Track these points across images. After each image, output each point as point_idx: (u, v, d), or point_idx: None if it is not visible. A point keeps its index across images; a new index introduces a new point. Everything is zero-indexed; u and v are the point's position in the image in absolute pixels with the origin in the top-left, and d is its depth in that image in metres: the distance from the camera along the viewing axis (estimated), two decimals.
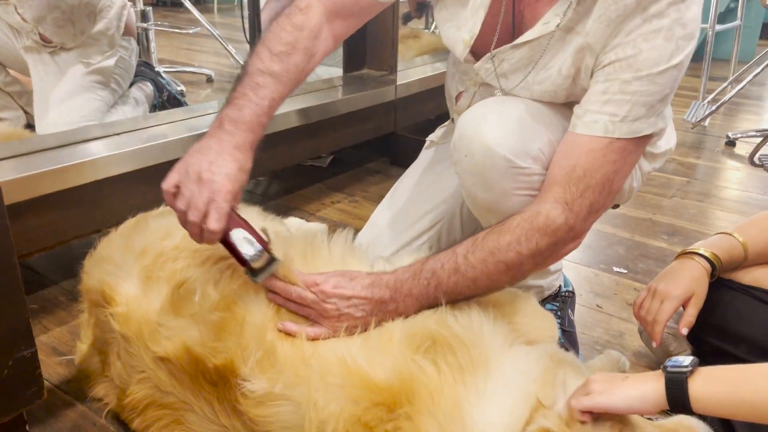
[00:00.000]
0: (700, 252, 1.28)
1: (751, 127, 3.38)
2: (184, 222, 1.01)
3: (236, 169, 1.02)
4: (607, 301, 1.76)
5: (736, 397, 0.87)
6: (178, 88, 2.92)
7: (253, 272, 1.03)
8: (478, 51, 1.27)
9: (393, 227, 1.55)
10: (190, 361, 1.06)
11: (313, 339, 1.02)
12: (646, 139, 1.10)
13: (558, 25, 1.12)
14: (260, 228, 1.06)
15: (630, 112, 1.06)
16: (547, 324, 1.24)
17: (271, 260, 1.03)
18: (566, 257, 1.56)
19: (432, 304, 1.05)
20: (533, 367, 1.03)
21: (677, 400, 0.89)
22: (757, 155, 2.55)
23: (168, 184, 1.02)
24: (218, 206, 0.98)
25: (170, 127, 1.82)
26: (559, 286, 1.53)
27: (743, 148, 3.07)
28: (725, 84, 3.61)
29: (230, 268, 1.13)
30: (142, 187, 1.64)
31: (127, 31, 2.26)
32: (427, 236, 1.52)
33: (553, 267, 1.48)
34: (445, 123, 1.63)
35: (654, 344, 1.31)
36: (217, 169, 1.00)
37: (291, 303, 1.05)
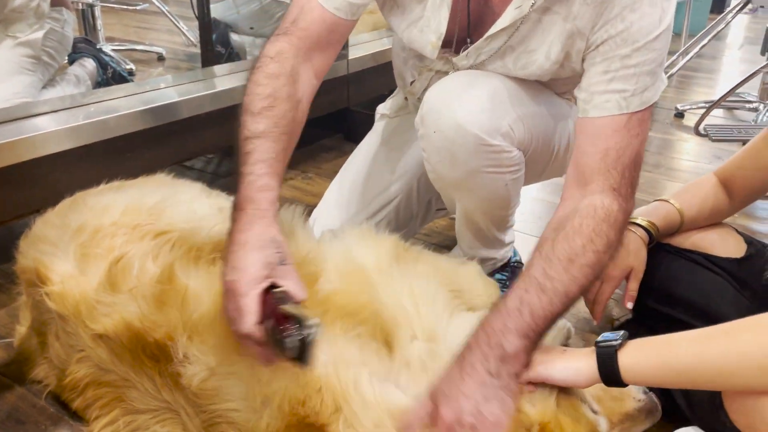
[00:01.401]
0: (638, 221, 1.31)
1: (701, 99, 3.45)
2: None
3: (244, 252, 0.91)
4: None
5: (663, 366, 0.90)
6: (127, 67, 2.84)
7: (297, 361, 0.89)
8: (444, 44, 1.22)
9: (349, 205, 1.54)
10: (130, 337, 1.04)
11: None
12: (655, 104, 1.09)
13: (532, 6, 1.09)
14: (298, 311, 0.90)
15: (638, 85, 1.04)
16: (490, 291, 1.25)
17: (306, 338, 0.87)
18: (516, 227, 1.59)
19: (537, 335, 0.95)
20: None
21: (609, 374, 0.92)
22: (702, 125, 2.61)
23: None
24: (239, 306, 0.88)
25: (112, 103, 1.77)
26: (510, 257, 1.55)
27: (692, 120, 3.13)
28: (675, 56, 3.66)
29: (170, 242, 1.12)
30: (83, 165, 1.60)
31: (58, 2, 2.17)
32: (385, 212, 1.52)
33: (507, 239, 1.50)
34: (394, 94, 1.62)
35: (595, 322, 1.35)
36: (235, 267, 0.91)
37: None
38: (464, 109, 1.14)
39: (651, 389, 1.06)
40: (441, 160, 1.19)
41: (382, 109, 1.63)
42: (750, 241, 1.33)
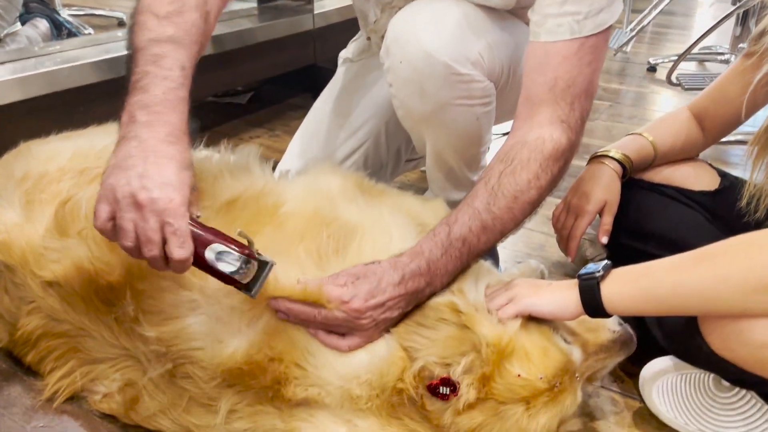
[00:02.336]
0: (611, 154, 1.27)
1: (673, 53, 3.44)
2: (141, 258, 0.81)
3: (175, 169, 0.79)
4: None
5: (645, 295, 0.89)
6: (86, 32, 2.73)
7: (245, 288, 0.83)
8: None
9: (313, 153, 1.49)
10: (82, 282, 0.98)
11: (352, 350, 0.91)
12: (611, 28, 1.04)
13: None
14: (236, 232, 0.85)
15: (592, 6, 0.99)
16: None
17: (261, 266, 0.83)
18: None
19: (464, 269, 0.96)
20: None
21: (592, 306, 0.90)
22: (674, 74, 2.59)
23: (100, 220, 0.80)
24: (175, 229, 0.77)
25: (63, 55, 1.68)
26: None
27: (665, 74, 3.12)
28: (645, 11, 3.63)
29: None
30: (31, 119, 1.52)
31: None
32: (353, 160, 1.47)
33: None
34: (356, 37, 1.56)
35: (570, 259, 1.32)
36: (152, 181, 0.77)
37: (313, 323, 0.90)
38: (432, 36, 1.09)
39: (626, 320, 1.04)
40: (409, 93, 1.14)
41: (344, 53, 1.57)
42: (723, 174, 1.30)
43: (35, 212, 1.06)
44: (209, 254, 0.81)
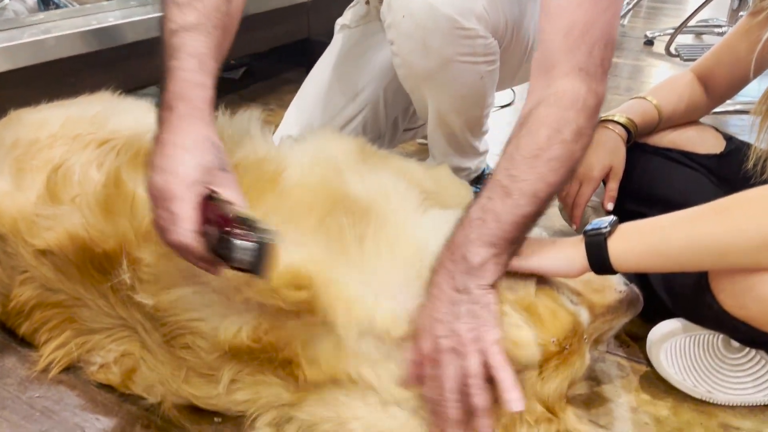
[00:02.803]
0: (615, 119, 1.25)
1: (670, 27, 3.41)
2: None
3: (192, 153, 0.77)
4: None
5: (653, 251, 0.86)
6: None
7: (251, 271, 0.78)
8: None
9: (311, 121, 1.45)
10: (76, 251, 0.96)
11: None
12: None
13: None
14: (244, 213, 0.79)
15: None
16: (463, 193, 1.19)
17: (262, 242, 0.76)
18: (491, 147, 1.52)
19: (507, 243, 0.86)
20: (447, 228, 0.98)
21: (598, 262, 0.88)
22: (673, 46, 2.56)
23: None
24: (173, 210, 0.75)
25: (50, 25, 1.63)
26: (484, 169, 1.49)
27: (662, 47, 3.09)
28: None
29: (114, 149, 1.02)
30: (20, 90, 1.48)
31: None
32: (351, 128, 1.44)
33: (481, 147, 1.43)
34: (353, 4, 1.52)
35: (573, 227, 1.30)
36: (165, 169, 0.77)
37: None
38: None
39: (631, 281, 1.02)
40: (412, 49, 1.11)
41: (341, 20, 1.53)
42: (729, 137, 1.28)
43: (26, 180, 1.02)
44: (210, 239, 0.76)
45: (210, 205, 0.77)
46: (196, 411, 0.95)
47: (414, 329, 0.84)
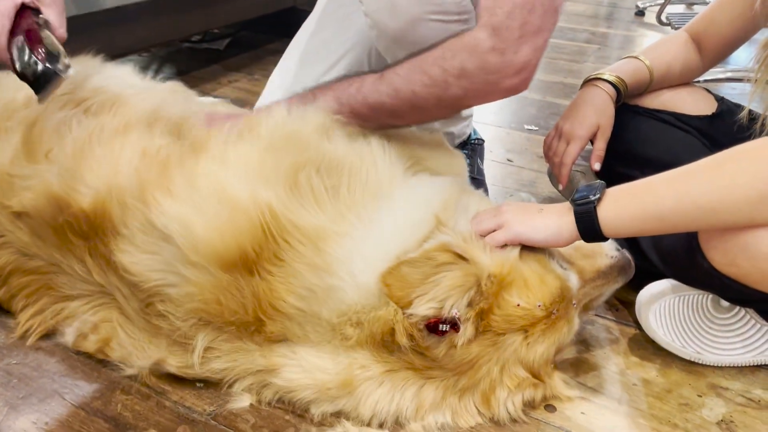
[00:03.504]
0: (605, 77, 1.22)
1: None
2: None
3: None
4: (519, 156, 1.71)
5: (644, 214, 0.84)
6: None
7: (34, 91, 0.91)
8: None
9: (294, 88, 1.41)
10: (53, 212, 0.92)
11: None
12: None
13: None
14: (52, 41, 0.92)
15: None
16: (456, 161, 1.17)
17: (49, 75, 0.90)
18: (477, 119, 1.49)
19: (349, 108, 0.98)
20: (436, 192, 0.96)
21: (589, 231, 0.86)
22: (663, 14, 2.53)
23: None
24: None
25: None
26: (469, 134, 1.46)
27: (653, 17, 3.06)
28: None
29: (91, 108, 0.99)
30: None
31: None
32: None
33: (465, 112, 1.40)
34: None
35: (560, 186, 1.28)
36: None
37: None
38: None
39: (623, 247, 1.01)
40: (379, 8, 1.07)
41: None
42: (721, 98, 1.26)
43: (1, 141, 0.99)
44: (12, 44, 0.88)
45: (28, 16, 0.90)
46: (176, 377, 0.93)
47: None
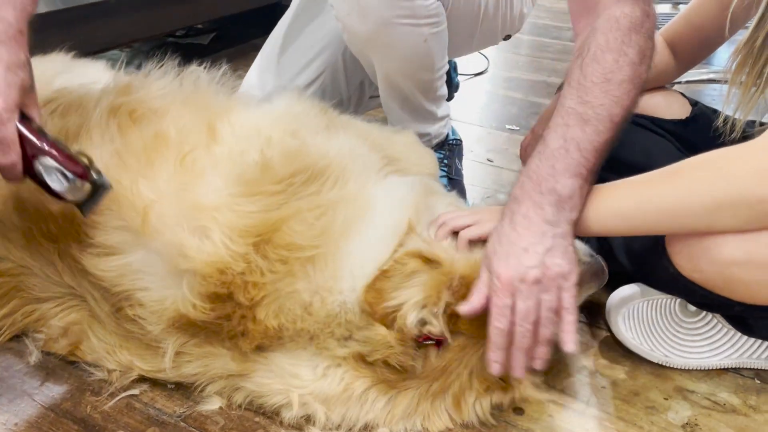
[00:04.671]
0: None
1: None
2: None
3: (1, 71, 0.74)
4: (499, 155, 1.72)
5: (608, 213, 0.86)
6: None
7: (77, 206, 0.82)
8: None
9: (268, 86, 1.42)
10: (22, 215, 0.93)
11: None
12: None
13: None
14: (76, 150, 0.82)
15: None
16: (426, 160, 1.18)
17: (95, 189, 0.81)
18: (458, 118, 1.49)
19: (589, 172, 0.85)
20: (407, 195, 0.96)
21: None
22: None
23: None
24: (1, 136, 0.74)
25: None
26: (447, 135, 1.46)
27: None
28: None
29: (58, 109, 0.98)
30: None
31: None
32: (310, 91, 1.41)
33: (440, 112, 1.41)
34: None
35: None
36: None
37: None
38: None
39: (598, 253, 1.02)
40: (349, 12, 1.08)
41: None
42: (695, 102, 1.27)
43: None
44: (38, 166, 0.78)
45: (29, 130, 0.77)
46: (147, 378, 0.93)
47: (488, 261, 0.83)
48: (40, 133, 0.78)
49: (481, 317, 0.85)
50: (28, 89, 0.78)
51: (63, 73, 1.09)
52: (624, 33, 0.88)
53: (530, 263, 0.80)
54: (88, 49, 1.87)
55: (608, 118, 0.86)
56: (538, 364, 0.83)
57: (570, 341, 0.82)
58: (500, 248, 0.83)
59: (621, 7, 0.89)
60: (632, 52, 0.87)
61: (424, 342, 0.86)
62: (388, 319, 0.84)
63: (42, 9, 1.57)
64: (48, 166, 0.78)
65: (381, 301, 0.83)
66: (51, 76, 1.07)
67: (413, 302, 0.84)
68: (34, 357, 0.96)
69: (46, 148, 0.78)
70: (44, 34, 1.57)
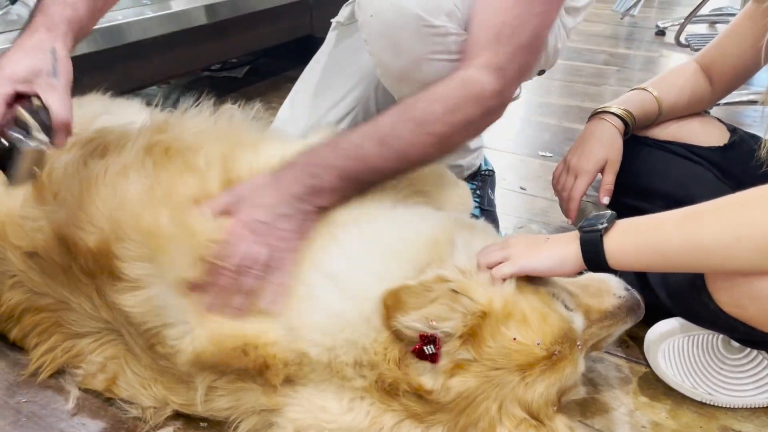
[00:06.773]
0: (612, 110, 1.21)
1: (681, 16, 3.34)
2: None
3: (26, 55, 0.82)
4: (532, 183, 1.70)
5: (650, 248, 0.83)
6: None
7: (3, 170, 0.82)
8: None
9: (301, 121, 1.44)
10: (61, 251, 0.95)
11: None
12: None
13: None
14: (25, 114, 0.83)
15: None
16: (459, 192, 1.17)
17: (15, 147, 0.80)
18: (490, 145, 1.49)
19: (358, 184, 0.92)
20: (426, 226, 0.95)
21: (593, 260, 0.85)
22: (683, 36, 2.50)
23: None
24: None
25: None
26: (479, 165, 1.46)
27: (673, 37, 3.02)
28: None
29: (100, 146, 1.01)
30: None
31: None
32: (342, 126, 1.42)
33: (473, 145, 1.40)
34: (350, 1, 1.50)
35: (569, 221, 1.27)
36: (2, 63, 0.83)
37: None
38: None
39: (633, 285, 0.99)
40: (383, 49, 1.08)
41: (337, 18, 1.51)
42: (733, 129, 1.24)
43: None
44: None
45: (22, 105, 0.81)
46: (181, 415, 0.93)
47: (236, 196, 0.89)
48: (31, 110, 0.82)
49: (507, 347, 0.84)
50: (44, 71, 0.83)
51: (102, 114, 1.12)
52: (465, 97, 0.93)
53: (263, 217, 0.86)
54: (125, 87, 1.93)
55: (403, 153, 0.93)
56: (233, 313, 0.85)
57: (268, 301, 0.84)
58: (249, 194, 0.89)
59: (483, 73, 0.94)
60: (460, 116, 0.93)
61: (419, 353, 0.83)
62: (396, 329, 0.83)
63: (83, 50, 1.63)
64: None
65: (397, 310, 0.82)
66: (91, 117, 1.10)
67: (423, 316, 0.82)
68: (72, 395, 0.97)
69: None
70: (85, 74, 1.64)
